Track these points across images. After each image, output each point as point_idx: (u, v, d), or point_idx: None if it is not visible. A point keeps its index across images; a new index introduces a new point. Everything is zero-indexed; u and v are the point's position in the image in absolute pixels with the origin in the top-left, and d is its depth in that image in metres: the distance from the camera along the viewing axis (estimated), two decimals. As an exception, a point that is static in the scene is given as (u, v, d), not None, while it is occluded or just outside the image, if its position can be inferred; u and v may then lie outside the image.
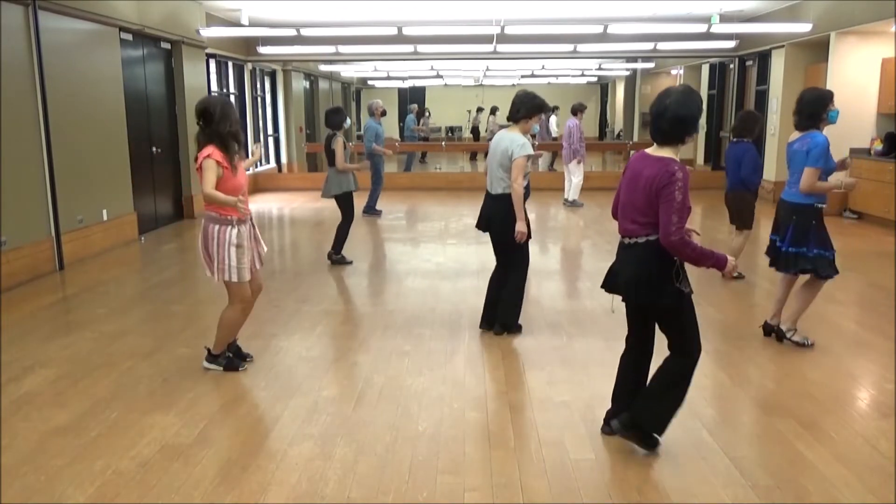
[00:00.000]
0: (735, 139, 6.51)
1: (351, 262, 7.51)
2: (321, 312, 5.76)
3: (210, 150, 4.16)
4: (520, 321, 5.18)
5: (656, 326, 3.40)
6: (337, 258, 7.49)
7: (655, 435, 3.35)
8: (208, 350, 4.53)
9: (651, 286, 3.19)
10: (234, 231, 4.22)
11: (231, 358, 4.51)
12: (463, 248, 8.54)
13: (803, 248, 4.83)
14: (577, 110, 11.93)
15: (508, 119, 4.94)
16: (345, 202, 7.40)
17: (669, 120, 3.18)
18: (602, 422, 3.65)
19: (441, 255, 8.11)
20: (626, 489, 3.07)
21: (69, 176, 7.52)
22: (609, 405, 3.67)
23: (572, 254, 8.58)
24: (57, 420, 3.76)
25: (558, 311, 5.77)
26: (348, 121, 7.72)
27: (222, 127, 4.16)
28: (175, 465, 3.28)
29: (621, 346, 4.16)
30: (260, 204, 12.65)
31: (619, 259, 3.40)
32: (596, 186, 13.45)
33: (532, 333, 5.20)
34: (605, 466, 3.26)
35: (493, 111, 20.07)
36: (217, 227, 4.24)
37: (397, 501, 2.98)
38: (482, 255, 8.02)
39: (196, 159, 4.26)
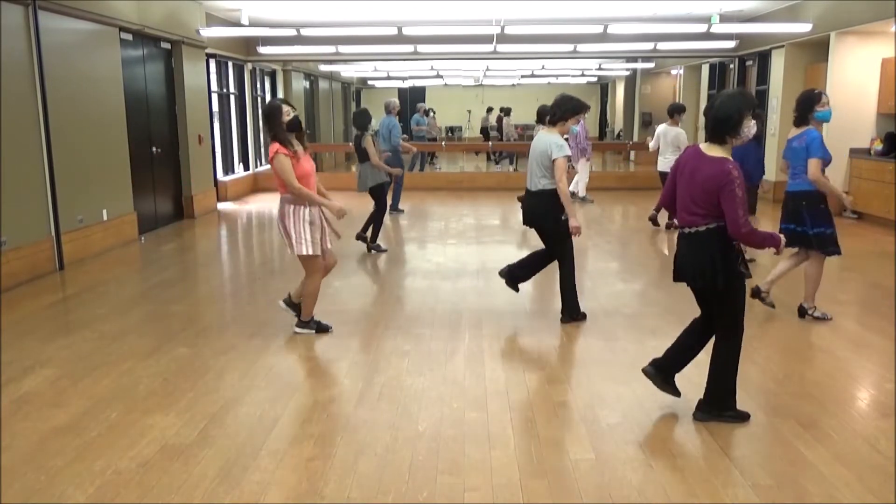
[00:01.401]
0: None
1: (386, 250, 8.20)
2: (321, 312, 5.75)
3: (275, 146, 4.77)
4: (582, 310, 5.47)
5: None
6: (373, 246, 8.13)
7: (734, 411, 3.72)
8: (298, 317, 5.17)
9: (715, 271, 3.49)
10: (307, 210, 4.84)
11: (319, 322, 5.17)
12: (463, 247, 8.54)
13: (823, 228, 5.26)
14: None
15: (548, 121, 5.27)
16: (379, 193, 8.13)
17: (712, 119, 3.49)
18: (600, 421, 3.65)
19: (441, 255, 8.11)
20: (626, 489, 3.07)
21: (69, 176, 7.52)
22: (609, 405, 3.69)
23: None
24: (57, 420, 3.76)
25: (558, 311, 5.76)
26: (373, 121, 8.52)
27: (272, 127, 4.80)
28: (175, 465, 3.28)
29: (621, 346, 4.18)
30: (260, 204, 12.65)
31: (681, 248, 3.68)
32: (596, 186, 13.46)
33: (532, 333, 5.20)
34: (605, 466, 3.26)
35: (507, 112, 19.93)
36: (293, 206, 4.86)
37: (397, 501, 2.98)
38: (482, 255, 8.03)
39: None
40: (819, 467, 3.23)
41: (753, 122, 3.45)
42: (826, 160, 5.26)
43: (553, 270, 7.11)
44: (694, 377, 4.35)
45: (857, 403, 4.06)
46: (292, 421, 3.75)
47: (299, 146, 4.86)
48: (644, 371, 3.90)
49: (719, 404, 3.72)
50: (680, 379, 4.38)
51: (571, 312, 5.44)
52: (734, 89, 3.73)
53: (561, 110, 5.15)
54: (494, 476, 3.17)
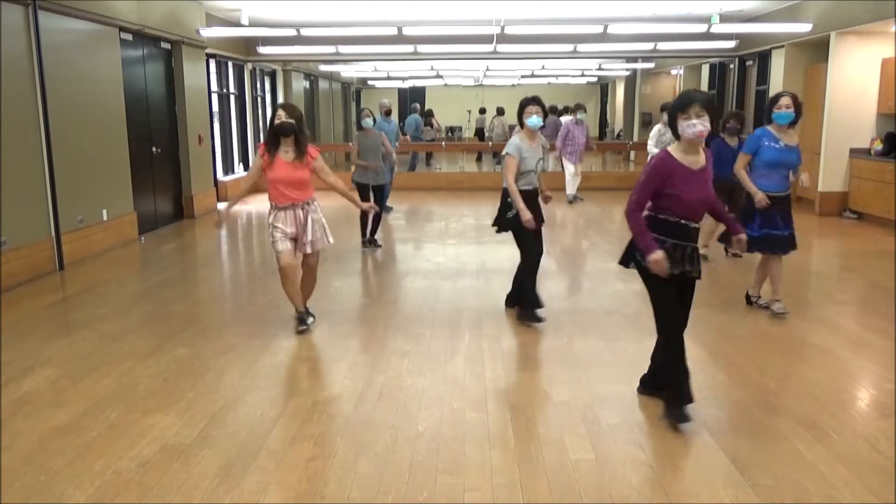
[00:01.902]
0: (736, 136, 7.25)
1: (381, 246, 8.47)
2: (321, 312, 5.76)
3: (262, 144, 5.10)
4: (538, 314, 5.43)
5: (689, 297, 3.84)
6: (370, 240, 8.41)
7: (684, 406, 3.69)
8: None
9: (628, 255, 3.75)
10: (272, 214, 5.11)
11: (299, 319, 5.26)
12: (463, 248, 8.54)
13: (791, 228, 5.49)
14: (575, 109, 12.33)
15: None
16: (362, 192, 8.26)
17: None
18: (600, 421, 3.65)
19: (441, 255, 8.11)
20: (626, 489, 3.07)
21: (69, 176, 7.52)
22: (609, 405, 3.70)
23: (573, 253, 8.58)
24: (57, 420, 3.76)
25: (558, 311, 5.76)
26: (368, 121, 8.45)
27: (269, 129, 5.05)
28: (175, 465, 3.28)
29: (621, 346, 4.19)
30: (260, 204, 12.63)
31: None
32: (596, 186, 13.45)
33: (532, 333, 5.20)
34: (605, 466, 3.26)
35: (500, 112, 19.93)
36: (268, 209, 5.20)
37: (397, 501, 2.98)
38: (482, 255, 8.03)
39: None
40: (819, 467, 3.23)
41: (694, 121, 3.41)
42: (753, 156, 5.40)
43: (553, 270, 7.10)
44: (694, 377, 4.35)
45: (857, 403, 4.06)
46: (292, 421, 3.75)
47: (289, 152, 4.97)
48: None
49: (670, 399, 3.74)
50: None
51: (527, 310, 5.42)
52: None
53: (518, 112, 5.40)
54: (494, 476, 3.17)
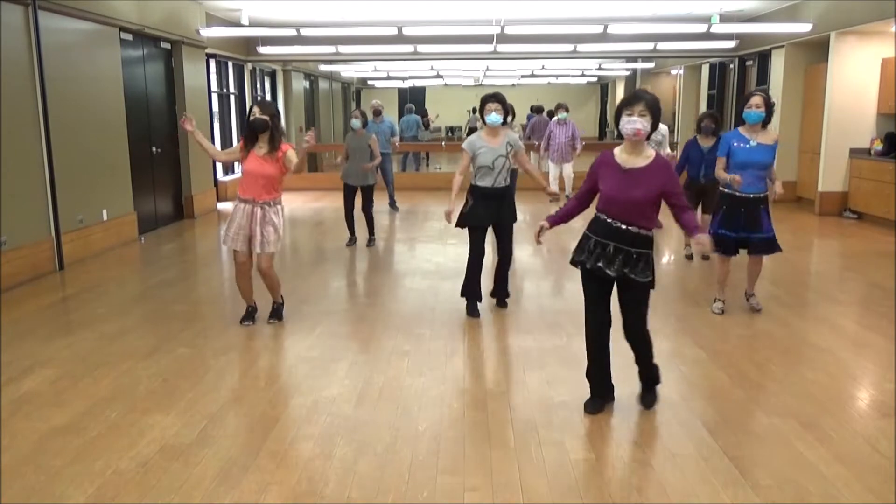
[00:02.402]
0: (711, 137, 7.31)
1: (355, 242, 8.59)
2: (321, 312, 5.76)
3: (242, 139, 5.30)
4: (476, 299, 5.65)
5: (627, 299, 3.77)
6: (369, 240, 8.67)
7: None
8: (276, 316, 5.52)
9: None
10: (234, 204, 5.27)
11: (247, 313, 5.43)
12: (463, 248, 8.49)
13: (762, 234, 5.50)
14: (556, 110, 12.11)
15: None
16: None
17: None
18: (599, 421, 3.65)
19: (441, 255, 8.11)
20: (626, 489, 3.07)
21: (69, 176, 7.52)
22: (609, 405, 3.68)
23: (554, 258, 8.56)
24: (57, 420, 3.76)
25: (558, 311, 5.77)
26: (355, 122, 8.56)
27: (246, 125, 5.24)
28: (175, 465, 3.28)
29: (621, 347, 4.15)
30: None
31: None
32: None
33: (532, 333, 5.20)
34: (605, 466, 3.26)
35: (475, 110, 19.84)
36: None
37: (397, 501, 2.98)
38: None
39: None
40: (819, 467, 3.23)
41: (635, 118, 3.43)
42: (736, 161, 5.36)
43: (553, 270, 7.11)
44: (694, 377, 4.35)
45: (857, 403, 4.06)
46: (292, 421, 3.75)
47: (263, 147, 5.13)
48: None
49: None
50: (677, 378, 4.39)
51: (469, 299, 5.63)
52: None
53: (479, 109, 5.55)
54: (494, 476, 3.17)
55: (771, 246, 5.50)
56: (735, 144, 5.36)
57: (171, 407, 3.92)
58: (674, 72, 18.69)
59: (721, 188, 5.54)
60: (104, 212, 8.30)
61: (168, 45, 10.33)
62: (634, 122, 3.43)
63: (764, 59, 12.77)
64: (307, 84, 19.36)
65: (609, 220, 3.56)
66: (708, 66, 15.67)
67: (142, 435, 3.57)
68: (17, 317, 5.68)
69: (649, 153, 3.57)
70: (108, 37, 8.47)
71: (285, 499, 3.01)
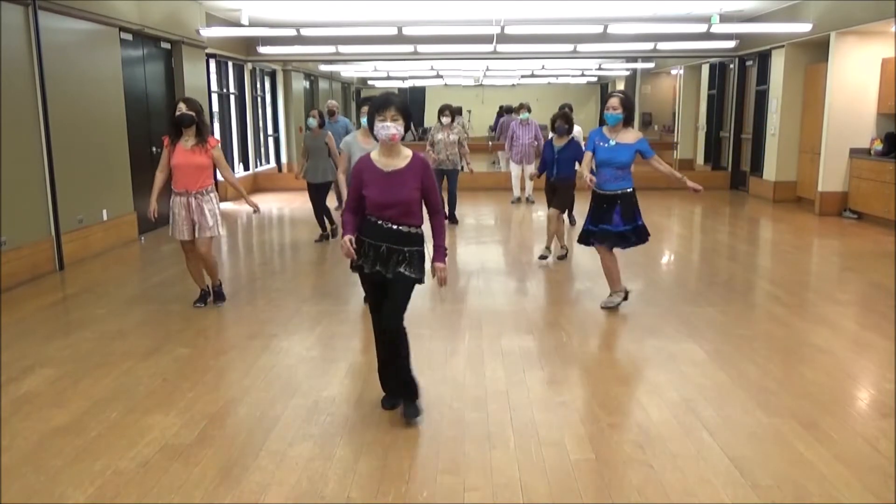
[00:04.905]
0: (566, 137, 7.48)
1: (324, 237, 8.79)
2: (321, 312, 5.76)
3: (166, 137, 5.64)
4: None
5: (393, 292, 3.72)
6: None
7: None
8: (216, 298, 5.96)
9: None
10: (172, 198, 5.66)
11: (201, 296, 5.88)
12: (463, 248, 8.54)
13: (632, 224, 5.59)
14: (517, 109, 11.89)
15: None
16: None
17: None
18: (600, 421, 3.64)
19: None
20: (626, 489, 3.07)
21: (69, 176, 7.52)
22: (609, 405, 3.68)
23: (571, 253, 8.57)
24: (57, 420, 3.76)
25: (558, 311, 5.77)
26: (311, 121, 8.86)
27: (171, 121, 5.58)
28: (175, 465, 3.28)
29: (620, 347, 4.19)
30: (260, 204, 12.60)
31: None
32: (596, 186, 13.39)
33: (532, 333, 5.20)
34: (605, 466, 3.26)
35: (457, 111, 19.17)
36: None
37: (397, 501, 2.98)
38: (482, 255, 8.03)
39: None
40: (819, 467, 3.23)
41: (389, 123, 3.45)
42: (592, 153, 5.51)
43: (552, 271, 7.12)
44: (694, 377, 4.35)
45: (857, 403, 4.06)
46: (292, 421, 3.75)
47: (190, 140, 5.52)
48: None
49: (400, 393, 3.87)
50: (677, 378, 4.39)
51: None
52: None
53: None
54: (494, 476, 3.17)
55: (624, 239, 5.58)
56: (597, 143, 5.49)
57: (171, 407, 3.91)
58: (674, 72, 18.69)
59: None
60: (104, 212, 8.30)
61: (168, 45, 10.33)
62: (388, 128, 3.47)
63: (764, 59, 12.77)
64: (307, 84, 19.36)
65: (380, 223, 3.59)
66: (708, 66, 15.68)
67: (142, 435, 3.57)
68: (17, 317, 5.68)
69: (406, 153, 3.61)
70: (108, 37, 8.47)
71: (285, 499, 3.01)
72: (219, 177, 6.31)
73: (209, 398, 4.04)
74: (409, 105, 3.63)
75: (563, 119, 7.51)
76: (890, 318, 5.48)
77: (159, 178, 5.71)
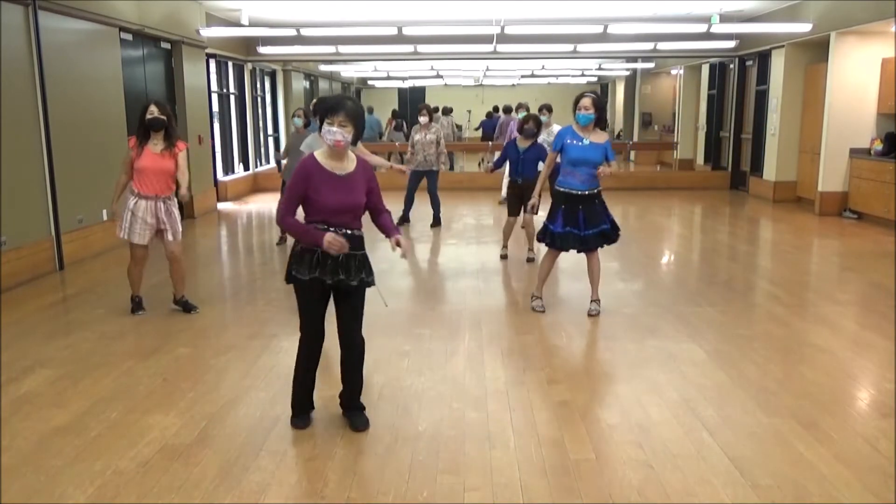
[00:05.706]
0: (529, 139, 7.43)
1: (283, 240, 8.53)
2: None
3: (132, 138, 5.56)
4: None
5: (352, 305, 3.77)
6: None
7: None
8: (185, 308, 5.79)
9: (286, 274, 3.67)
10: (133, 201, 5.49)
11: (136, 303, 5.77)
12: (463, 248, 8.54)
13: (603, 225, 5.62)
14: (516, 109, 11.90)
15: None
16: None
17: None
18: (600, 421, 3.64)
19: (441, 255, 8.11)
20: (626, 489, 3.07)
21: (69, 176, 7.52)
22: (609, 405, 3.68)
23: (571, 253, 8.56)
24: (57, 420, 3.76)
25: (558, 311, 5.77)
26: (297, 121, 8.65)
27: (139, 124, 5.45)
28: (175, 465, 3.28)
29: (621, 346, 4.19)
30: (260, 204, 12.64)
31: None
32: (596, 186, 13.39)
33: (532, 333, 5.20)
34: (605, 466, 3.26)
35: (447, 111, 18.99)
36: (127, 193, 5.58)
37: (397, 501, 2.98)
38: (482, 255, 8.03)
39: None
40: (819, 467, 3.23)
41: (336, 129, 3.33)
42: (567, 157, 5.45)
43: (557, 277, 7.10)
44: (694, 377, 4.35)
45: (857, 403, 4.06)
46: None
47: (159, 144, 5.43)
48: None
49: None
50: (677, 378, 4.39)
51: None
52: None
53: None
54: (494, 476, 3.17)
55: (608, 237, 5.61)
56: (569, 141, 5.41)
57: (171, 407, 3.92)
58: (674, 72, 18.69)
59: (556, 187, 5.55)
60: (104, 212, 8.29)
61: (168, 45, 10.33)
62: (335, 134, 3.34)
63: (764, 59, 12.77)
64: (307, 84, 19.36)
65: (332, 229, 3.42)
66: (708, 66, 15.68)
67: (142, 435, 3.57)
68: (17, 317, 5.68)
69: (352, 157, 3.53)
70: (108, 37, 8.46)
71: (285, 499, 3.01)
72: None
73: (209, 398, 4.04)
74: (361, 113, 3.47)
75: (535, 122, 7.47)
76: (890, 318, 5.48)
77: (123, 179, 5.62)
